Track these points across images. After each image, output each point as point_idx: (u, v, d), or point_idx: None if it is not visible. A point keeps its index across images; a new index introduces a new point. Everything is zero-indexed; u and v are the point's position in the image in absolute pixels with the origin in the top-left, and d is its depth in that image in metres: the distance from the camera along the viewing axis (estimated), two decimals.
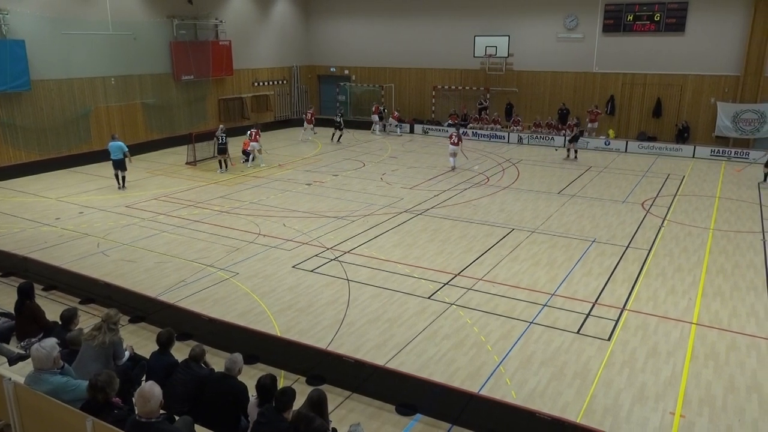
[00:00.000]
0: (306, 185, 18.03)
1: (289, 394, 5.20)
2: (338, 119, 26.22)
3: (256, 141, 20.48)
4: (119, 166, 17.50)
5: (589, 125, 25.29)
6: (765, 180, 18.53)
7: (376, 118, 28.39)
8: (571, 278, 10.95)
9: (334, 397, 7.08)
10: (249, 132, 20.85)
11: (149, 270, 11.27)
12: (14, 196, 16.93)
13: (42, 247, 12.47)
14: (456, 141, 20.22)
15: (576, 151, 22.68)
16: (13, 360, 6.63)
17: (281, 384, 7.42)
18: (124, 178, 17.71)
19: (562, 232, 13.67)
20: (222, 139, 19.79)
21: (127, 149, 17.50)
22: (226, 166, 20.08)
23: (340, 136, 25.92)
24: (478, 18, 27.10)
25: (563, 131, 25.42)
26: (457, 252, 12.29)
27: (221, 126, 20.68)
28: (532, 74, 26.74)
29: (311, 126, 26.60)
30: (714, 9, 22.72)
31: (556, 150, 23.81)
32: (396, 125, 28.36)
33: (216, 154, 20.26)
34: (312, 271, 11.24)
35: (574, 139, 22.81)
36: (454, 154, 20.35)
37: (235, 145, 21.19)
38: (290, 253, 12.19)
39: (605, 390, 7.43)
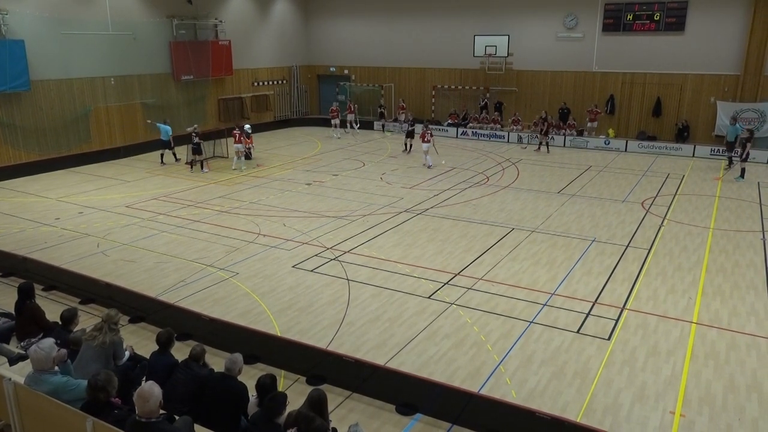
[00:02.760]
0: (306, 185, 18.03)
1: (279, 400, 5.12)
2: (410, 127, 23.54)
3: (240, 143, 20.08)
4: (164, 145, 20.71)
5: (589, 124, 25.30)
6: (741, 176, 18.91)
7: (351, 117, 27.80)
8: (571, 277, 10.95)
9: (334, 396, 7.08)
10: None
11: (149, 270, 11.27)
12: (14, 196, 16.93)
13: (42, 247, 12.48)
14: (428, 138, 20.24)
15: (548, 144, 23.78)
16: (13, 360, 6.63)
17: (281, 384, 7.44)
18: (174, 153, 21.05)
19: (561, 231, 13.67)
20: (194, 139, 19.72)
21: (171, 133, 20.63)
22: (201, 167, 19.86)
23: (410, 145, 23.14)
24: (477, 17, 27.10)
25: (563, 130, 25.44)
26: (457, 251, 12.29)
27: (194, 125, 20.64)
28: (531, 74, 26.73)
29: (336, 122, 26.79)
30: (714, 8, 22.71)
31: (524, 148, 23.99)
32: (397, 120, 28.31)
33: (190, 155, 20.09)
34: (312, 270, 11.24)
35: (545, 133, 23.56)
36: (427, 152, 20.46)
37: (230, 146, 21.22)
38: (290, 253, 12.19)
39: (605, 389, 7.43)
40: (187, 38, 24.83)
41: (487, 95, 27.84)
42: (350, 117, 27.95)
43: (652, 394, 7.33)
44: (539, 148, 23.76)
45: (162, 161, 21.04)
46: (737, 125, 20.62)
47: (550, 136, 24.01)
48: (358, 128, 27.99)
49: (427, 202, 16.13)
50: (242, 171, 19.83)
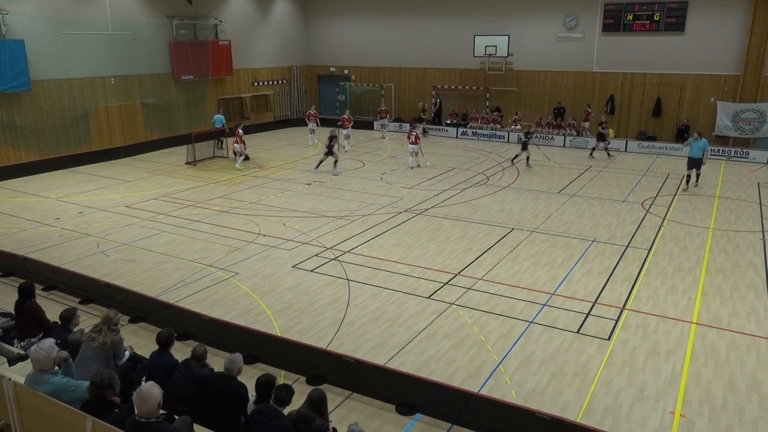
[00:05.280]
0: (306, 185, 18.03)
1: (289, 389, 5.26)
2: (526, 138, 20.87)
3: (239, 143, 20.03)
4: (220, 133, 22.40)
5: (583, 124, 25.35)
6: None
7: (313, 126, 25.14)
8: (571, 278, 10.95)
9: (334, 396, 7.08)
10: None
11: (149, 270, 11.27)
12: (14, 196, 16.93)
13: (42, 247, 12.48)
14: (414, 140, 20.13)
15: (598, 149, 22.41)
16: (13, 360, 6.62)
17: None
18: (221, 142, 22.45)
19: (561, 231, 13.67)
20: (330, 141, 19.48)
21: (224, 121, 22.96)
22: (317, 165, 19.78)
23: (528, 157, 20.88)
24: (477, 17, 27.10)
25: (562, 130, 25.43)
26: (457, 251, 12.30)
27: (333, 129, 20.36)
28: (531, 74, 26.73)
29: (348, 132, 23.89)
30: (714, 8, 22.72)
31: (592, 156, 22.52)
32: (385, 126, 27.87)
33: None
34: (312, 270, 11.24)
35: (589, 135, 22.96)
36: (414, 154, 20.32)
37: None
38: (290, 252, 12.19)
39: (605, 389, 7.43)
40: (187, 38, 24.82)
41: (439, 97, 28.21)
42: (312, 126, 25.16)
43: (652, 394, 7.33)
44: (609, 153, 22.62)
45: (221, 146, 22.29)
46: (703, 139, 17.12)
47: (606, 140, 22.51)
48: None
49: (427, 202, 16.13)
50: (242, 171, 19.81)
